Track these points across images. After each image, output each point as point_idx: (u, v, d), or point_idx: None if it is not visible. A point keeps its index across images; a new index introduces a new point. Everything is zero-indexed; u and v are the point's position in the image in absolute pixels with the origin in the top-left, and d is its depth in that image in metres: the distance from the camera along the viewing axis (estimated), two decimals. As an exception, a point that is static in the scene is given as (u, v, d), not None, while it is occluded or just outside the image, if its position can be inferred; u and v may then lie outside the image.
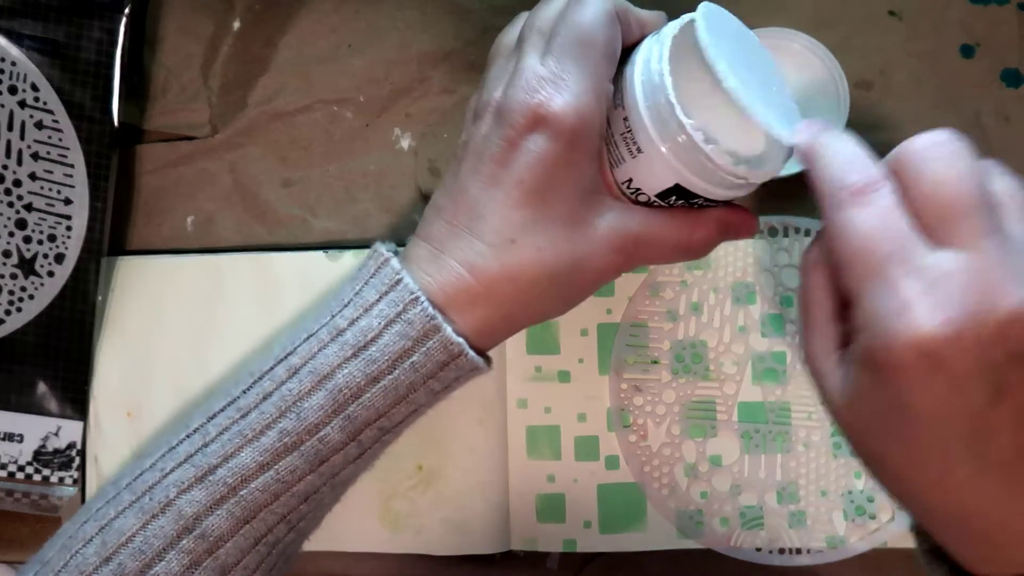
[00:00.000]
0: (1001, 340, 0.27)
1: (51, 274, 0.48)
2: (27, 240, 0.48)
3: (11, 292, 0.48)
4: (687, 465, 0.48)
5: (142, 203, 0.51)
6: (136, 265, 0.50)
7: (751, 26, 0.49)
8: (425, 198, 0.50)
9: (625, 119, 0.36)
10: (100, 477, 0.49)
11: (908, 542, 0.48)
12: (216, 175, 0.51)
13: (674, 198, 0.37)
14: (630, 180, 0.37)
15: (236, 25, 0.51)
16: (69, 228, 0.48)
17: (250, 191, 0.51)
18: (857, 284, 0.29)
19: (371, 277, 0.37)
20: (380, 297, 0.37)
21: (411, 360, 0.36)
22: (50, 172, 0.47)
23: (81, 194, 0.48)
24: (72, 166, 0.48)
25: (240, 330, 0.49)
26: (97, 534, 0.37)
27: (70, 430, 0.48)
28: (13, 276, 0.48)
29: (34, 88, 0.47)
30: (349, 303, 0.37)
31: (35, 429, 0.48)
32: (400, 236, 0.50)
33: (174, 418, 0.49)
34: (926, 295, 0.27)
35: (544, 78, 0.34)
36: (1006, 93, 0.49)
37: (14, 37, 0.47)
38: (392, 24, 0.50)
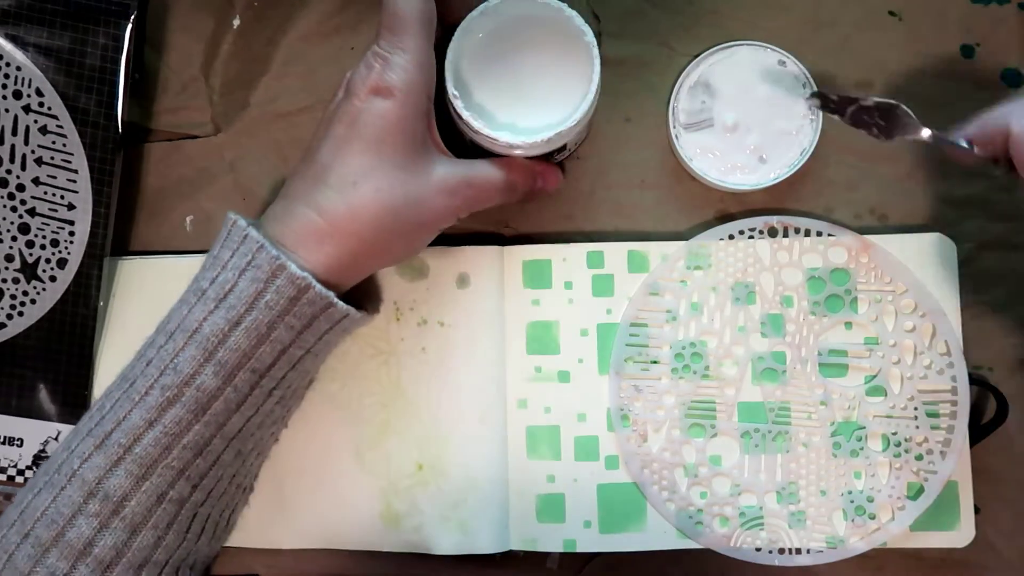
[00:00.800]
0: None
1: (53, 279, 0.49)
2: (30, 245, 0.49)
3: (13, 296, 0.49)
4: (687, 465, 0.49)
5: (142, 203, 0.52)
6: (136, 266, 0.51)
7: (755, 30, 0.51)
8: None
9: None
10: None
11: (908, 542, 0.49)
12: (216, 175, 0.52)
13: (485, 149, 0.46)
14: (456, 127, 0.46)
15: (236, 23, 0.52)
16: (72, 233, 0.49)
17: (250, 191, 0.52)
18: None
19: (225, 239, 0.43)
20: (233, 253, 0.42)
21: (265, 300, 0.41)
22: (54, 177, 0.49)
23: (84, 199, 0.49)
24: (76, 171, 0.49)
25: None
26: (18, 517, 0.42)
27: (71, 433, 0.50)
28: (15, 280, 0.49)
29: (39, 93, 0.48)
30: (209, 266, 0.43)
31: (35, 433, 0.50)
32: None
33: None
34: None
35: (377, 55, 0.42)
36: (1006, 93, 0.50)
37: (19, 42, 0.48)
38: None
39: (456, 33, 0.44)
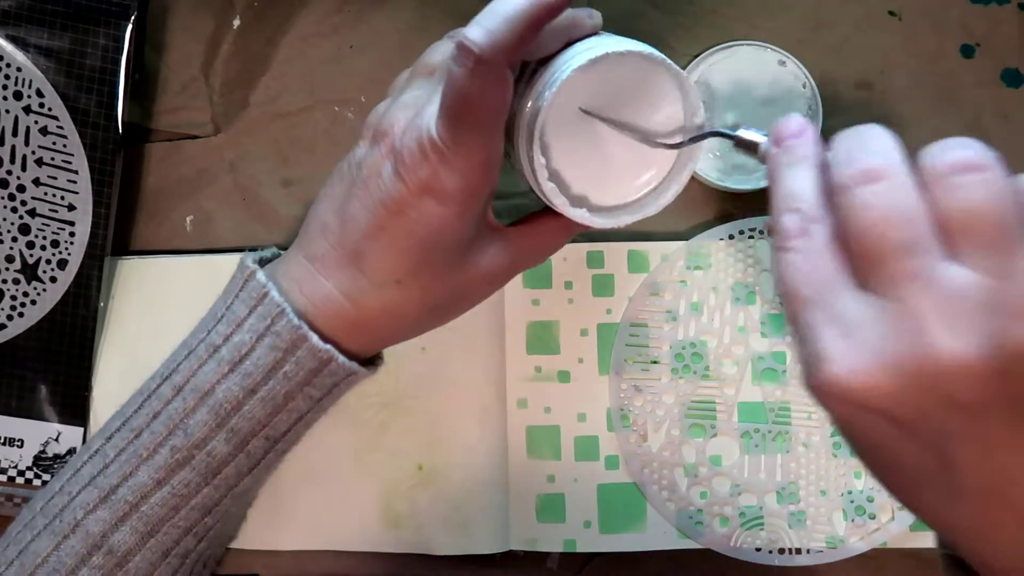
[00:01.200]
0: (929, 388, 0.26)
1: (53, 279, 0.49)
2: (30, 245, 0.49)
3: (13, 297, 0.49)
4: (687, 465, 0.50)
5: (142, 203, 0.52)
6: (136, 266, 0.51)
7: (755, 30, 0.51)
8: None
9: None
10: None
11: (908, 542, 0.49)
12: (216, 175, 0.52)
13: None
14: (521, 170, 0.40)
15: (236, 23, 0.52)
16: (72, 234, 0.49)
17: (250, 191, 0.52)
18: (790, 324, 0.29)
19: (240, 291, 0.40)
20: (250, 312, 0.39)
21: (283, 370, 0.39)
22: (54, 178, 0.49)
23: (85, 200, 0.49)
24: (76, 172, 0.49)
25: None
26: (16, 557, 0.41)
27: (70, 435, 0.50)
28: (16, 281, 0.49)
29: (39, 94, 0.49)
30: (222, 318, 0.40)
31: (35, 434, 0.50)
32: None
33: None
34: (841, 341, 0.27)
35: (434, 144, 0.35)
36: (1006, 93, 0.51)
37: (20, 43, 0.48)
38: (393, 26, 0.52)
39: (551, 93, 0.36)
